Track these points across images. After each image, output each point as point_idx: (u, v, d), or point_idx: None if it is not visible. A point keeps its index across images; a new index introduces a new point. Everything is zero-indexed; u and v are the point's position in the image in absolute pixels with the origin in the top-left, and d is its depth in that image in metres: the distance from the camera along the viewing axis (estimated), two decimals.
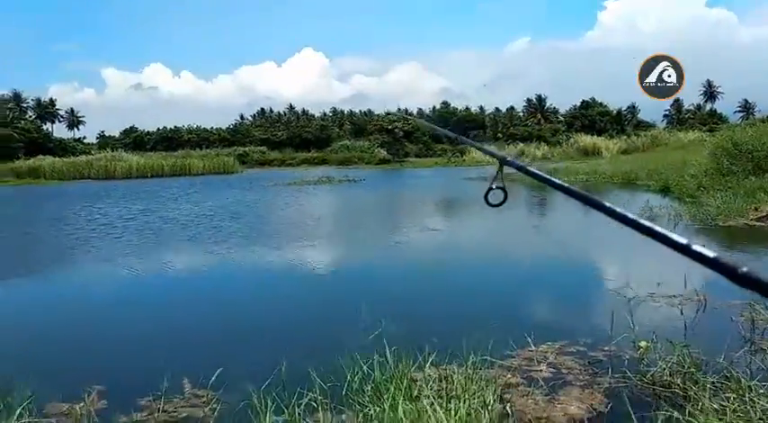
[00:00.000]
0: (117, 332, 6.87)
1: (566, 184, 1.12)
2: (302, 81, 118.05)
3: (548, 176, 1.18)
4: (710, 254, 0.72)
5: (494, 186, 1.45)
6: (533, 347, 5.18)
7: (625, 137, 59.37)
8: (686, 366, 4.46)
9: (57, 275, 10.64)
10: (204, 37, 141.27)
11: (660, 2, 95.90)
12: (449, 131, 3.07)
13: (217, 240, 12.89)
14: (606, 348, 5.22)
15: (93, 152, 57.81)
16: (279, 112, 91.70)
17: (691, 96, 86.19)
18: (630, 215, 0.87)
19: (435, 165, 53.53)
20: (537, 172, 1.25)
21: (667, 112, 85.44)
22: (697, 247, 0.75)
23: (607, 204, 0.95)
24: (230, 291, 9.15)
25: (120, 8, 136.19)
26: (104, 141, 75.49)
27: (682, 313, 6.29)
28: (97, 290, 9.36)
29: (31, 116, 78.49)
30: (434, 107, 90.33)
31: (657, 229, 0.81)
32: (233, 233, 14.03)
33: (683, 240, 0.77)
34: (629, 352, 5.07)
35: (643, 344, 5.00)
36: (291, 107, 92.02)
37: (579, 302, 7.54)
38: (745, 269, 0.68)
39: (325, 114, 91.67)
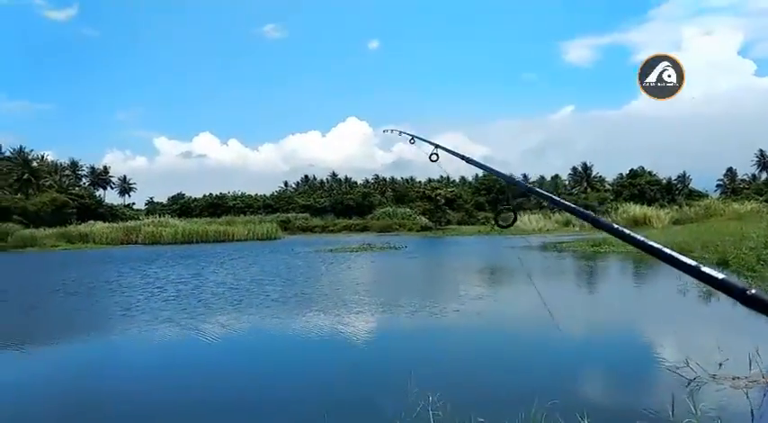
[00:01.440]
0: (149, 393, 6.62)
1: (570, 204, 1.17)
2: (345, 149, 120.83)
3: (555, 197, 1.27)
4: (719, 275, 0.75)
5: (501, 208, 1.58)
6: None
7: (677, 207, 57.66)
8: None
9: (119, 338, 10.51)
10: (251, 106, 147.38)
11: (706, 71, 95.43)
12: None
13: (252, 308, 12.65)
14: None
15: (141, 217, 59.66)
16: (322, 180, 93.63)
17: (744, 166, 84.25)
18: (639, 237, 0.94)
19: (478, 232, 52.84)
20: (543, 193, 1.37)
21: (720, 182, 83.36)
22: (706, 269, 0.77)
23: (615, 226, 1.05)
24: (265, 359, 8.88)
25: (172, 78, 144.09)
26: (152, 207, 78.23)
27: (747, 396, 5.65)
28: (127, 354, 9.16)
29: (85, 183, 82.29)
30: (477, 175, 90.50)
31: (666, 250, 0.86)
32: (270, 300, 13.76)
33: (692, 262, 0.80)
34: None
35: None
36: (334, 174, 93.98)
37: (635, 382, 6.94)
38: (753, 291, 0.70)
39: (367, 181, 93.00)
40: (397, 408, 5.11)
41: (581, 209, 1.10)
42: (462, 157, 2.11)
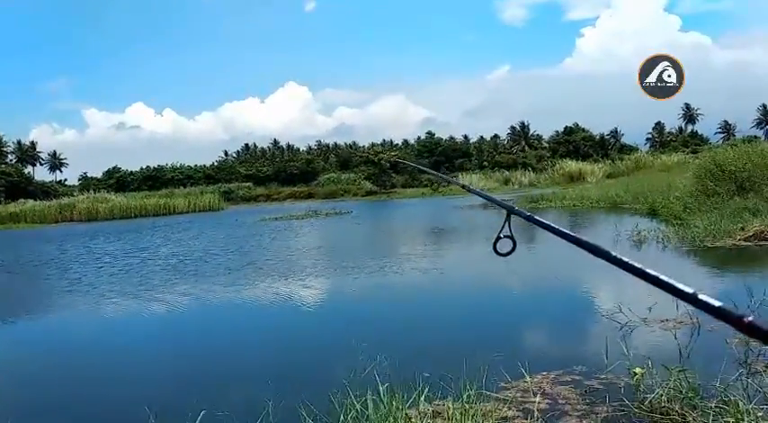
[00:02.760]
0: (102, 371, 6.74)
1: (574, 235, 1.12)
2: (286, 115, 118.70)
3: (555, 226, 1.20)
4: (716, 303, 0.74)
5: (502, 235, 1.48)
6: (528, 378, 5.06)
7: (609, 161, 60.10)
8: (684, 392, 4.36)
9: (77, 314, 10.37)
10: (185, 74, 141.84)
11: (635, 28, 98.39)
12: (445, 176, 3.10)
13: (200, 278, 12.69)
14: (602, 376, 5.12)
15: (75, 194, 57.34)
16: (263, 148, 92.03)
17: (671, 119, 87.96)
18: (637, 265, 0.89)
19: (422, 195, 53.65)
20: (544, 222, 1.26)
21: (649, 136, 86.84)
22: (703, 297, 0.76)
23: (614, 253, 0.97)
24: (217, 327, 9.05)
25: (99, 47, 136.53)
26: (86, 183, 74.87)
27: (675, 337, 6.20)
28: (81, 329, 9.15)
29: (11, 160, 78.02)
30: (419, 137, 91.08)
31: (663, 278, 0.83)
32: (215, 270, 13.82)
33: (689, 290, 0.78)
34: (624, 379, 4.96)
35: (638, 370, 4.89)
36: (276, 142, 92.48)
37: (572, 330, 7.46)
38: (750, 318, 0.69)
39: (310, 148, 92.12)
40: (345, 369, 5.23)
41: (585, 240, 1.05)
42: (463, 186, 2.30)
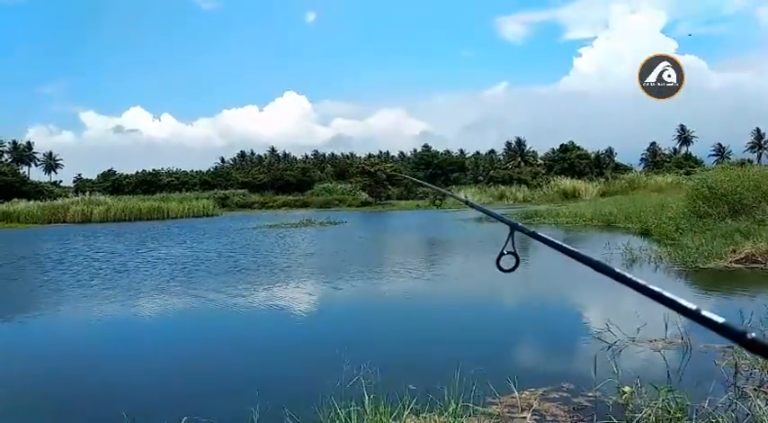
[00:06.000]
0: (80, 375, 6.68)
1: (575, 250, 1.12)
2: (284, 124, 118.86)
3: (558, 242, 1.20)
4: (719, 320, 0.75)
5: (505, 252, 1.47)
6: (516, 394, 5.03)
7: (604, 180, 60.44)
8: (672, 412, 4.36)
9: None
10: (185, 80, 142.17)
11: (632, 49, 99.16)
12: (443, 190, 3.14)
13: (188, 283, 12.63)
14: (590, 394, 5.10)
15: (69, 195, 57.05)
16: (260, 155, 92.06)
17: (666, 140, 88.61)
18: (641, 281, 0.89)
19: (417, 207, 53.70)
20: (548, 238, 1.26)
21: (644, 156, 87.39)
22: (705, 313, 0.77)
23: (617, 270, 0.96)
24: (204, 333, 8.97)
25: (99, 51, 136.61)
26: (81, 184, 74.74)
27: (664, 358, 6.20)
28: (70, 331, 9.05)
29: (7, 159, 77.74)
30: (415, 150, 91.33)
31: (666, 294, 0.83)
32: (203, 277, 13.76)
33: (692, 306, 0.79)
34: (612, 397, 4.95)
35: (627, 389, 4.88)
36: (273, 150, 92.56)
37: (561, 347, 7.44)
38: (753, 335, 0.70)
39: (306, 157, 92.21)
40: (332, 378, 5.18)
41: (585, 255, 1.07)
42: (466, 202, 2.30)
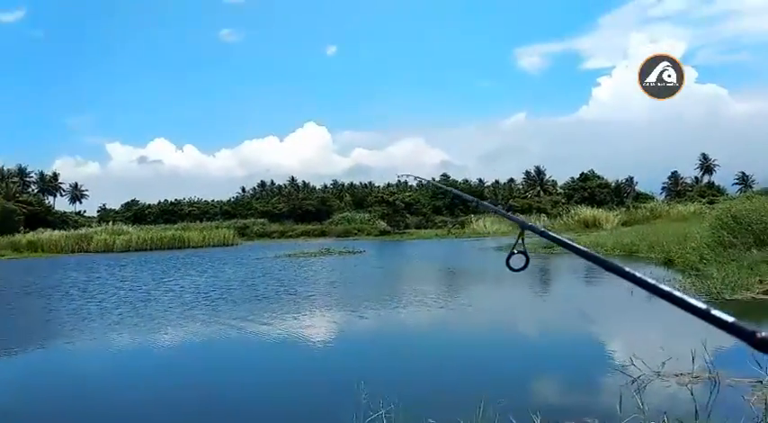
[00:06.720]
0: (108, 404, 6.63)
1: (586, 250, 1.14)
2: (304, 154, 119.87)
3: (569, 241, 1.21)
4: (729, 319, 0.75)
5: (515, 251, 1.45)
6: None
7: (625, 209, 59.80)
8: None
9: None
10: (207, 112, 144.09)
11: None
12: (467, 195, 3.11)
13: (209, 313, 12.66)
14: None
15: (93, 225, 58.04)
16: (280, 185, 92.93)
17: (688, 169, 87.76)
18: (650, 280, 0.90)
19: (435, 236, 53.58)
20: (559, 237, 1.27)
21: (665, 185, 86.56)
22: (715, 312, 0.77)
23: (627, 269, 0.98)
24: (216, 362, 8.96)
25: (125, 83, 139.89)
26: (105, 214, 76.04)
27: (692, 393, 6.01)
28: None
29: (33, 190, 79.50)
30: (434, 179, 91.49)
31: (676, 293, 0.84)
32: (226, 306, 13.78)
33: (702, 305, 0.80)
34: None
35: None
36: (292, 179, 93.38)
37: (585, 381, 7.26)
38: (763, 334, 0.70)
39: (325, 186, 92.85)
40: (349, 413, 5.14)
41: (596, 254, 1.09)
42: (478, 203, 2.34)
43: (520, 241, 1.44)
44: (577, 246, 1.15)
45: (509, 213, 1.76)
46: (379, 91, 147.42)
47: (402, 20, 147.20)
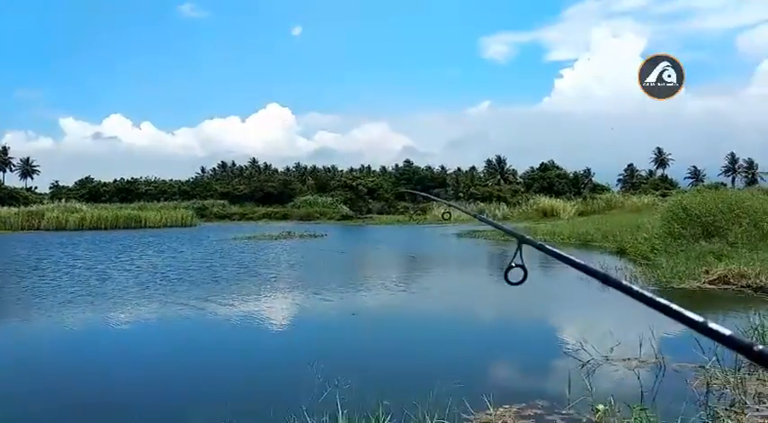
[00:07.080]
0: (58, 382, 6.50)
1: (583, 263, 1.13)
2: (266, 136, 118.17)
3: (567, 255, 1.19)
4: (726, 332, 0.76)
5: (513, 264, 1.45)
6: (491, 410, 5.05)
7: (582, 199, 61.18)
8: None
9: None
10: (166, 89, 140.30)
11: (613, 73, 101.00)
12: (467, 210, 3.15)
13: (165, 294, 12.48)
14: (564, 412, 5.14)
15: (44, 202, 56.14)
16: (241, 166, 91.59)
17: (643, 162, 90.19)
18: (648, 293, 0.90)
19: (397, 222, 53.80)
20: (556, 251, 1.25)
21: (621, 177, 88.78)
22: (712, 325, 0.78)
23: (624, 282, 0.98)
24: (174, 345, 8.83)
25: (81, 57, 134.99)
26: (57, 191, 73.47)
27: (638, 376, 6.25)
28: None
29: None
30: (397, 165, 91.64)
31: (674, 306, 0.84)
32: (182, 287, 13.61)
33: (699, 318, 0.80)
34: (586, 415, 4.99)
35: (600, 407, 4.93)
36: (254, 161, 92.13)
37: (537, 365, 7.46)
38: (760, 347, 0.71)
39: (288, 169, 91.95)
40: (305, 393, 5.18)
41: (596, 269, 1.09)
42: (474, 215, 2.37)
43: (518, 255, 1.45)
44: (575, 260, 1.15)
45: (507, 227, 1.76)
46: (345, 74, 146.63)
47: (370, 3, 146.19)
